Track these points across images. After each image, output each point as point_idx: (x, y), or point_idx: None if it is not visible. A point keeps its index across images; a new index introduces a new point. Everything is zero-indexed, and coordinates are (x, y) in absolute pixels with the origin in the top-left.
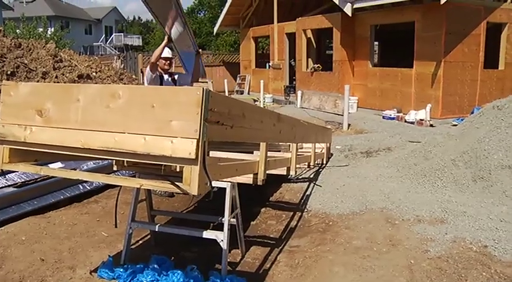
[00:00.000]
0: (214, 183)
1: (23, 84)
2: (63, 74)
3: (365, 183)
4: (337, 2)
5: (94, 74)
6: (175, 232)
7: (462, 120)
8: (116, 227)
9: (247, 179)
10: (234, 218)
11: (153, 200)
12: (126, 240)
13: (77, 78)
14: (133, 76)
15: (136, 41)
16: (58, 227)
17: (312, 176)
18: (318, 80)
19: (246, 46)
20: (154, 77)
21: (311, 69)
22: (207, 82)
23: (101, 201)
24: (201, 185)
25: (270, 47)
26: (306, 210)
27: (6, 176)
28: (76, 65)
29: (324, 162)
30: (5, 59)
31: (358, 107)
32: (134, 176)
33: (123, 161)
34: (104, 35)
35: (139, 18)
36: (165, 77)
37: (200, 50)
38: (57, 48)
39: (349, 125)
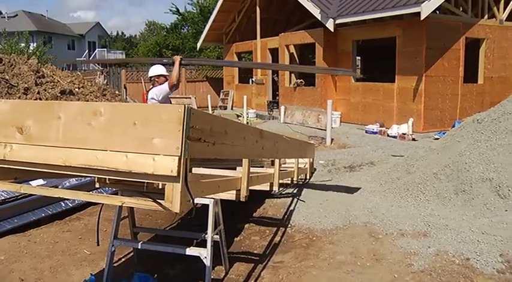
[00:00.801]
0: (197, 200)
1: (3, 101)
2: (46, 90)
3: (348, 198)
4: (319, 18)
5: (77, 89)
6: (159, 249)
7: (444, 133)
8: (98, 244)
9: (230, 195)
10: (217, 234)
11: (135, 216)
12: (108, 258)
13: (59, 94)
14: (117, 92)
15: (119, 56)
16: (39, 246)
17: (295, 191)
18: (300, 95)
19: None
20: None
21: (294, 84)
22: (190, 98)
23: (83, 219)
24: (183, 202)
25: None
26: (289, 225)
27: None
28: (58, 81)
29: (308, 177)
30: None
31: (341, 122)
32: (117, 193)
33: (106, 178)
34: (87, 51)
35: (122, 33)
36: None
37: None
38: (39, 64)
39: (332, 139)
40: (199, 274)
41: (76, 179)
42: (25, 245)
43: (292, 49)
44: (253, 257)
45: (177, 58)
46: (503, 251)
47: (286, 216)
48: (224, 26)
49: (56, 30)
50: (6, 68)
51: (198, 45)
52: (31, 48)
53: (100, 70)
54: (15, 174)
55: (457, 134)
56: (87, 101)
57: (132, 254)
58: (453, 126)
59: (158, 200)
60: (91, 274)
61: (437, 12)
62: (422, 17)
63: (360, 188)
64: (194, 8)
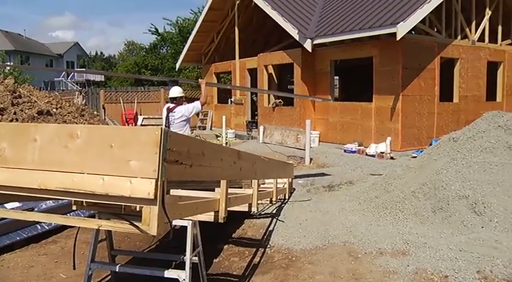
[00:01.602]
0: (175, 222)
1: None
2: (22, 111)
3: (327, 218)
4: (297, 38)
5: (54, 110)
6: (137, 272)
7: (421, 151)
8: (74, 268)
9: (209, 216)
10: (196, 256)
11: (114, 238)
12: None
13: (36, 115)
14: (95, 112)
15: (98, 76)
16: (12, 271)
17: (274, 212)
18: (279, 115)
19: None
20: None
21: (273, 104)
22: None
23: (60, 242)
24: (160, 224)
25: (232, 82)
26: (269, 246)
27: None
28: (36, 101)
29: (287, 197)
30: None
31: (319, 141)
32: (94, 215)
33: (83, 200)
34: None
35: (101, 53)
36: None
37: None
38: (16, 84)
39: (311, 159)
40: None
41: (53, 201)
42: None
43: (271, 69)
44: (232, 279)
45: (203, 81)
46: (480, 268)
47: (265, 236)
48: (203, 47)
49: (34, 49)
50: None
51: (177, 65)
52: (8, 67)
53: (78, 90)
54: None
55: (433, 152)
56: (65, 121)
57: (110, 277)
58: (430, 145)
59: (135, 223)
60: None
61: (413, 32)
62: (398, 38)
63: (339, 208)
64: (173, 29)
